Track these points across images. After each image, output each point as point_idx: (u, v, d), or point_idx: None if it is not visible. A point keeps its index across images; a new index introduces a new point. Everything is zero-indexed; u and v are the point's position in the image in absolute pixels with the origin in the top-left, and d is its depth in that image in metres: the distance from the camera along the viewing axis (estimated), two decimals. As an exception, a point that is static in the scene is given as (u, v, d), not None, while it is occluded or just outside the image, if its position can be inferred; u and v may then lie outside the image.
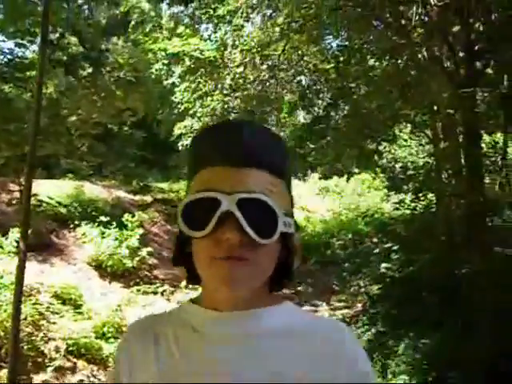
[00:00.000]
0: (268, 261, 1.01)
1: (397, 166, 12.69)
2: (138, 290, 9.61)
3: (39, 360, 6.99)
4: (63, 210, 11.09)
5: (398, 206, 9.70)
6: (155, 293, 10.00)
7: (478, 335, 6.26)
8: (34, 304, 7.69)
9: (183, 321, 1.09)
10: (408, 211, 9.27)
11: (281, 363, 1.00)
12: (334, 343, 1.04)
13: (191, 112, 14.25)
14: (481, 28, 7.72)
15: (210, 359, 1.01)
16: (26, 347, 6.90)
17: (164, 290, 10.17)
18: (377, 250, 10.35)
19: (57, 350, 7.21)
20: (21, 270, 5.03)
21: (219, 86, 13.42)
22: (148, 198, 13.91)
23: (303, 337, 1.04)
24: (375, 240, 12.32)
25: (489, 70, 7.95)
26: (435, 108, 9.05)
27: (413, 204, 9.02)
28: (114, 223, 10.53)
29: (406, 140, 13.64)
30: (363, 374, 1.04)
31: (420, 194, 8.84)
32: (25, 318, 7.08)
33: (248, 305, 1.04)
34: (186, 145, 14.98)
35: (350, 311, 10.22)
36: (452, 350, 6.38)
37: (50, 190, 11.18)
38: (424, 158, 11.85)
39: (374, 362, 7.76)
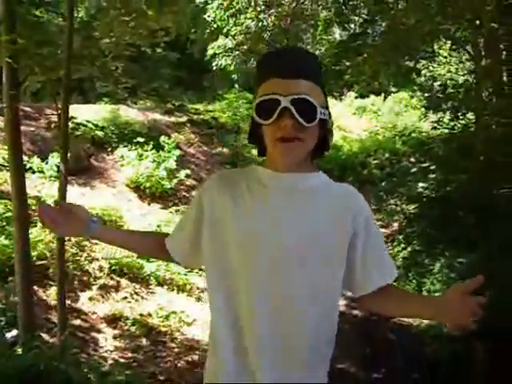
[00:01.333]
0: (312, 138, 1.52)
1: (435, 84, 12.34)
2: (177, 211, 9.80)
3: (85, 279, 7.28)
4: (100, 134, 11.21)
5: (436, 125, 9.52)
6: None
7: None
8: (76, 225, 7.94)
9: (253, 176, 1.60)
10: (446, 130, 9.10)
11: (319, 209, 1.54)
12: (352, 196, 1.61)
13: (224, 31, 14.00)
14: None
15: (271, 205, 1.53)
16: (71, 267, 7.18)
17: (202, 211, 10.34)
18: (414, 170, 10.25)
19: (100, 269, 7.49)
20: (62, 191, 5.18)
21: (252, 2, 13.08)
22: (183, 119, 13.92)
23: (333, 192, 1.59)
24: (412, 159, 12.19)
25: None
26: (477, 22, 8.68)
27: (451, 123, 8.84)
28: (151, 145, 10.63)
29: (445, 57, 13.20)
30: (368, 216, 1.61)
31: (459, 113, 8.64)
32: (69, 240, 7.33)
33: (298, 169, 1.55)
34: (221, 65, 14.82)
35: (387, 230, 10.29)
36: (488, 270, 6.40)
37: (87, 114, 11.29)
38: (464, 75, 11.50)
39: (409, 280, 7.87)
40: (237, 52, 14.35)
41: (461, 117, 8.70)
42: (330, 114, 1.57)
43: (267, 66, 1.54)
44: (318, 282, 1.51)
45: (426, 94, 12.28)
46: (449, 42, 11.10)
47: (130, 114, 13.05)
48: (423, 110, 16.38)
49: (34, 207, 7.61)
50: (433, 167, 8.99)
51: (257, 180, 1.58)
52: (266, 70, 1.54)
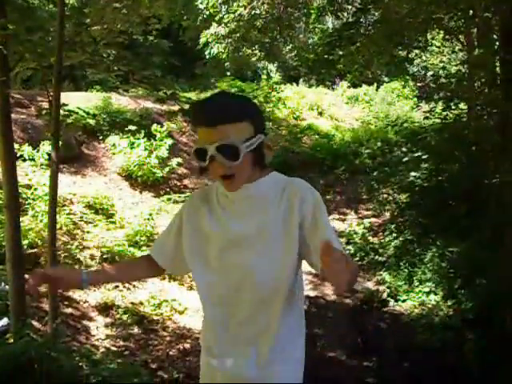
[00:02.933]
0: (245, 166, 1.77)
1: (428, 73, 12.32)
2: (169, 199, 9.77)
3: (76, 267, 7.26)
4: (92, 122, 11.14)
5: (428, 114, 9.51)
6: (185, 202, 10.16)
7: (504, 244, 6.30)
8: (68, 214, 7.91)
9: (220, 191, 1.90)
10: (438, 120, 9.09)
11: (272, 207, 1.82)
12: (298, 190, 1.82)
13: (217, 18, 13.92)
14: None
15: (235, 211, 1.87)
16: (62, 255, 7.15)
17: (193, 200, 10.33)
18: (406, 159, 10.24)
19: (92, 257, 7.47)
20: (54, 179, 5.15)
21: (245, -11, 13.01)
22: (175, 108, 13.83)
23: (284, 190, 1.83)
24: (404, 149, 12.18)
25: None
26: (471, 12, 8.66)
27: (444, 113, 8.83)
28: (143, 133, 10.59)
29: (438, 47, 13.17)
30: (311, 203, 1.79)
31: (451, 103, 8.62)
32: (60, 228, 7.31)
33: (249, 180, 1.82)
34: (214, 53, 14.76)
35: (378, 220, 10.31)
36: (479, 259, 6.44)
37: (78, 102, 11.20)
38: (456, 65, 11.48)
39: (400, 269, 7.91)
40: (229, 40, 14.27)
41: (453, 107, 8.68)
42: (264, 133, 1.83)
43: (195, 117, 1.85)
44: (275, 266, 1.80)
45: (419, 84, 12.26)
46: (442, 31, 11.08)
47: (121, 101, 12.98)
48: (415, 99, 16.46)
49: (24, 195, 7.58)
50: (425, 157, 8.97)
51: (222, 193, 1.90)
52: (194, 119, 1.87)
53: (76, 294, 6.87)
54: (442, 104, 9.09)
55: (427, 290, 7.28)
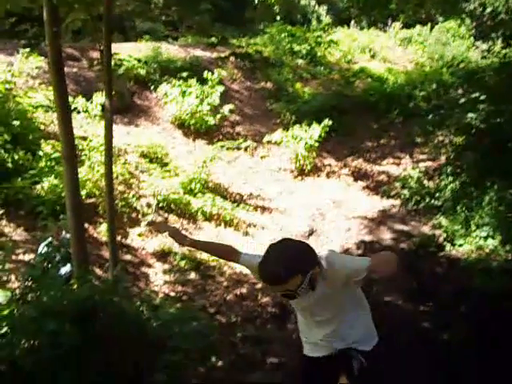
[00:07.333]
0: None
1: (486, 10, 11.77)
2: (222, 147, 9.80)
3: (133, 215, 7.43)
4: (143, 72, 11.17)
5: (485, 54, 9.14)
6: (238, 148, 10.19)
7: None
8: (123, 164, 8.04)
9: None
10: (497, 59, 8.73)
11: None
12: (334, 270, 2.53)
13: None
14: None
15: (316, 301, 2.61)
16: (120, 204, 7.32)
17: (247, 146, 10.33)
18: (462, 100, 9.90)
19: (148, 205, 7.62)
20: (108, 127, 5.22)
21: None
22: (226, 53, 13.71)
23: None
24: (460, 91, 11.79)
25: None
26: None
27: (503, 51, 8.47)
28: (194, 81, 10.58)
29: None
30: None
31: (511, 41, 8.25)
32: (116, 177, 7.45)
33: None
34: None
35: (434, 163, 10.10)
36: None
37: (128, 52, 11.23)
38: (518, -1, 10.93)
39: (457, 213, 7.76)
40: (278, -18, 13.97)
41: (513, 44, 8.33)
42: (319, 264, 2.45)
43: (260, 278, 2.50)
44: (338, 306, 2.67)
45: (476, 22, 11.76)
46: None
47: (171, 50, 12.94)
48: (472, 39, 15.85)
49: (80, 147, 7.72)
50: (482, 97, 8.65)
51: None
52: (260, 278, 2.54)
53: (134, 242, 7.05)
54: (500, 42, 8.72)
55: (485, 234, 7.15)
